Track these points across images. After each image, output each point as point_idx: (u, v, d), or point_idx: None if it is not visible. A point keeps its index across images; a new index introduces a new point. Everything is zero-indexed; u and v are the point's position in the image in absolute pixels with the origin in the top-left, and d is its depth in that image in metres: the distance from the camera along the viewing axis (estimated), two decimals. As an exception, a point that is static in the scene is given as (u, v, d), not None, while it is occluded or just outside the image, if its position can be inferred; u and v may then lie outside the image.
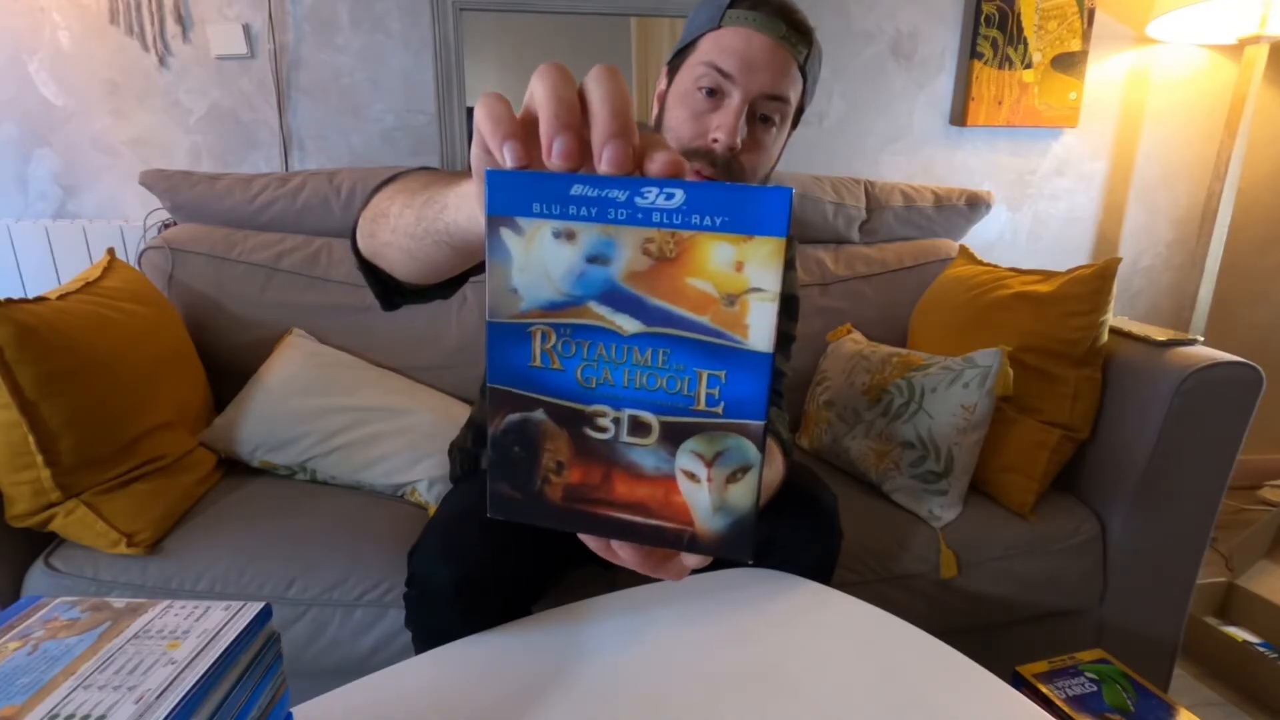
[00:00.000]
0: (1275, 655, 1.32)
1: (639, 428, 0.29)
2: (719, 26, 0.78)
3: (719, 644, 0.64)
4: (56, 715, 0.36)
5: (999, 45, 1.73)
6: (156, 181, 1.42)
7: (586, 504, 0.30)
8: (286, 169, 1.62)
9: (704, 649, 0.63)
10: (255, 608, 0.45)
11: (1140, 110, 1.87)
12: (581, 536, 0.32)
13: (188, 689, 0.38)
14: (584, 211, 0.27)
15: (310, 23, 1.55)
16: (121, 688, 0.38)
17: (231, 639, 0.42)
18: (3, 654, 0.40)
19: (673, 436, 0.29)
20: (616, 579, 0.99)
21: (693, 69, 0.79)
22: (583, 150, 0.28)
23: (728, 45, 0.77)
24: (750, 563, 0.30)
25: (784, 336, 0.96)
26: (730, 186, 0.26)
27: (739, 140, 0.77)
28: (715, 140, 0.78)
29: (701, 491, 0.29)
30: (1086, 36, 1.75)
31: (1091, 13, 1.74)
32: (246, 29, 1.53)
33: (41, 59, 1.51)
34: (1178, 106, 1.88)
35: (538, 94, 0.29)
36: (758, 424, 0.28)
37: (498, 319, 0.29)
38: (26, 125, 1.54)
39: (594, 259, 0.28)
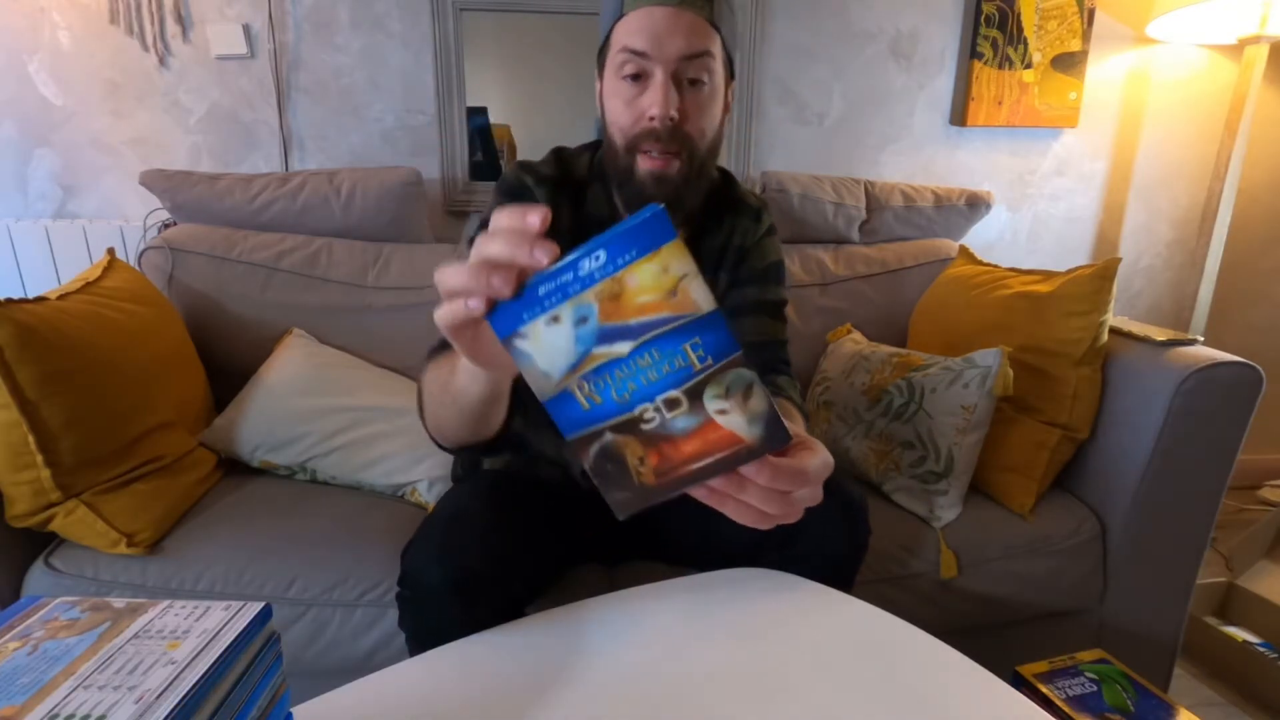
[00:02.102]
0: (1275, 655, 1.32)
1: (673, 404, 0.40)
2: (622, 14, 0.81)
3: (719, 644, 0.64)
4: (56, 715, 0.36)
5: (999, 45, 1.73)
6: (156, 181, 1.42)
7: (673, 472, 0.41)
8: (286, 169, 1.62)
9: (704, 649, 0.63)
10: (255, 608, 0.45)
11: (1140, 110, 1.87)
12: (690, 491, 0.43)
13: (188, 689, 0.38)
14: (554, 299, 0.38)
15: (310, 23, 1.55)
16: (121, 688, 0.38)
17: (231, 639, 0.42)
18: (3, 654, 0.40)
19: (695, 395, 0.39)
20: (616, 579, 0.99)
21: (613, 60, 0.82)
22: (517, 278, 0.39)
23: (635, 27, 0.80)
24: (790, 440, 0.41)
25: (775, 305, 0.96)
26: (623, 229, 0.36)
27: (673, 111, 0.80)
28: (651, 118, 0.80)
29: (735, 417, 0.40)
30: (1086, 36, 1.75)
31: (1091, 13, 1.74)
32: (246, 29, 1.53)
33: (41, 59, 1.51)
34: (1177, 106, 1.88)
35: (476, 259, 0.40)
36: (738, 354, 0.39)
37: (547, 397, 0.40)
38: (26, 125, 1.54)
39: (579, 322, 0.38)
